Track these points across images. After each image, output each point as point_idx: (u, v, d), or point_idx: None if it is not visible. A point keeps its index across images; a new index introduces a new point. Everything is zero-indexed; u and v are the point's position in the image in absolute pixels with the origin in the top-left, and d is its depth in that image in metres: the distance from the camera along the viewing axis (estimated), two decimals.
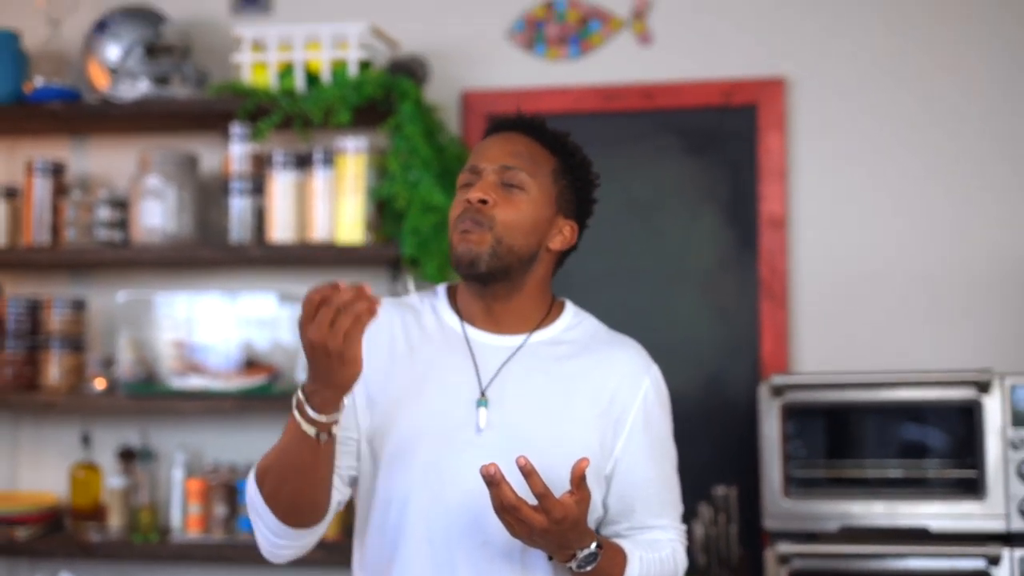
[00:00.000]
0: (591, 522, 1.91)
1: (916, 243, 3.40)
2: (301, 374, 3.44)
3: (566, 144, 2.01)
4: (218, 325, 3.57)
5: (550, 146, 1.99)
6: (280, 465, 1.79)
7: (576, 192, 2.01)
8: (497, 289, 1.96)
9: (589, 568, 1.81)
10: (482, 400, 1.91)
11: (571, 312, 2.05)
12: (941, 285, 3.38)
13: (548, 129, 2.01)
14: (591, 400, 1.95)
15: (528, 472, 1.70)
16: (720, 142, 3.53)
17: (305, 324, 1.63)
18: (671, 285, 3.52)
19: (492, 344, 1.97)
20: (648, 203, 3.55)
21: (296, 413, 1.72)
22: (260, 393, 3.44)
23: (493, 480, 1.69)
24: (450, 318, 2.01)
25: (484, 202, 1.91)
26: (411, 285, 3.30)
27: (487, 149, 1.98)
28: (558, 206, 1.98)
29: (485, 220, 1.91)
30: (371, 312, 1.62)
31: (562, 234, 1.99)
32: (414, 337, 1.98)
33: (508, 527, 1.75)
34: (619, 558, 1.88)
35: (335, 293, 1.61)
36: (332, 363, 1.64)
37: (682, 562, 2.00)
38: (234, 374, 3.49)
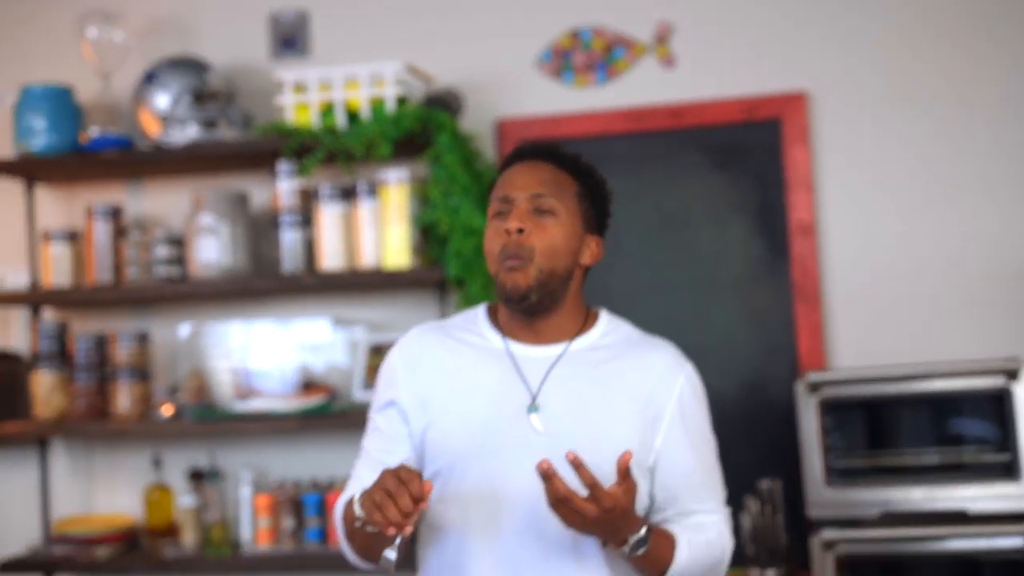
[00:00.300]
0: (640, 511, 2.02)
1: (941, 240, 3.50)
2: (358, 392, 3.60)
3: (583, 166, 2.12)
4: (275, 351, 3.72)
5: (570, 170, 2.10)
6: (350, 524, 1.97)
7: (596, 209, 2.12)
8: (540, 309, 2.07)
9: (641, 551, 1.91)
10: (533, 406, 2.02)
11: (606, 319, 2.15)
12: (966, 279, 3.47)
13: (566, 154, 2.12)
14: (630, 399, 2.04)
15: (577, 465, 1.81)
16: (746, 156, 3.62)
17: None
18: (707, 293, 3.63)
19: (534, 355, 2.07)
20: (680, 217, 3.65)
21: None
22: (319, 412, 3.57)
23: (547, 475, 1.81)
24: (492, 335, 2.11)
25: (521, 231, 2.01)
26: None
27: (515, 178, 2.08)
28: (584, 224, 2.09)
29: (525, 253, 2.01)
30: (392, 525, 1.78)
31: (590, 249, 2.10)
32: (459, 355, 2.10)
33: (563, 518, 1.86)
34: (668, 541, 1.99)
35: (395, 485, 1.78)
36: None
37: (728, 542, 2.10)
38: (293, 396, 3.63)
